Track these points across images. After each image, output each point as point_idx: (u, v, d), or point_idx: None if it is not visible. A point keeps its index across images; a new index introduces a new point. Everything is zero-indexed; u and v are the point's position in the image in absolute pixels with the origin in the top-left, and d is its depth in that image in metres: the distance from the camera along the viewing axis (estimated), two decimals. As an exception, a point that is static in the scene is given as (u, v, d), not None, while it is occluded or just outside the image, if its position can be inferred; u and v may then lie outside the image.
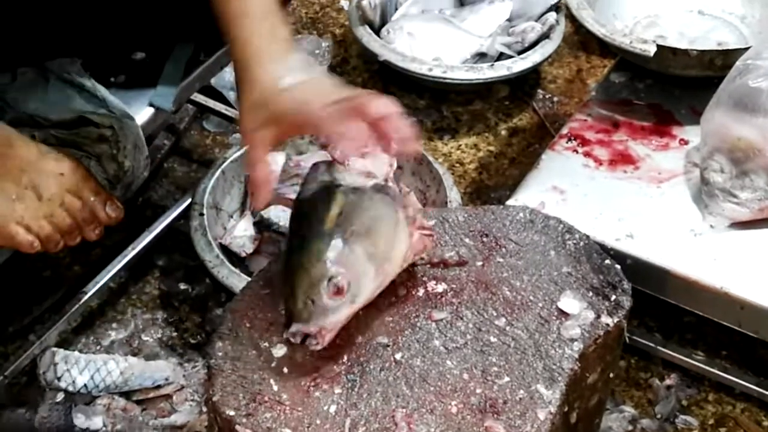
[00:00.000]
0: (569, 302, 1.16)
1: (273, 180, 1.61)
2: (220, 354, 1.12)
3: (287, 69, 1.07)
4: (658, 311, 1.49)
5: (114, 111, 1.30)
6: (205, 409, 1.33)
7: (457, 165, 1.85)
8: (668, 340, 1.51)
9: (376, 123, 1.05)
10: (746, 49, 1.44)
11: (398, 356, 1.12)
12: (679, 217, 1.43)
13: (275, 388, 1.08)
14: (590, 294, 1.18)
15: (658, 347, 1.49)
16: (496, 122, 1.94)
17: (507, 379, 1.10)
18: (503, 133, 1.92)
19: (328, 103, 1.03)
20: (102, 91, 1.32)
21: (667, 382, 1.49)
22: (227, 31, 1.13)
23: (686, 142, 1.53)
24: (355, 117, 1.04)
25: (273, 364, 1.10)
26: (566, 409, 1.13)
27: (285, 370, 1.10)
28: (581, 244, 1.23)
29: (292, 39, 1.13)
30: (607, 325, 1.16)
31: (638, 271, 1.32)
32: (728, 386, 1.47)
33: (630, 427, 1.42)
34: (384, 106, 1.05)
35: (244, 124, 1.08)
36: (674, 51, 1.52)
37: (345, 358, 1.12)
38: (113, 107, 1.31)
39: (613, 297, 1.18)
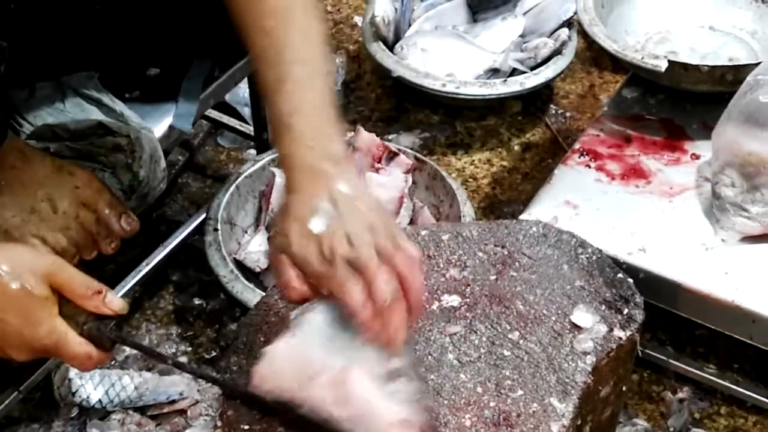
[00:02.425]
0: (582, 316, 1.17)
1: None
2: (234, 368, 1.12)
3: (317, 202, 0.96)
4: (671, 325, 1.49)
5: (131, 123, 1.32)
6: (219, 424, 1.33)
7: (471, 180, 1.86)
8: (680, 353, 1.51)
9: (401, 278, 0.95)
10: (757, 64, 1.45)
11: (412, 371, 1.12)
12: (691, 231, 1.44)
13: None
14: (603, 307, 1.19)
15: (671, 360, 1.49)
16: (509, 137, 1.95)
17: (520, 392, 1.10)
18: (516, 148, 1.93)
19: (345, 260, 0.93)
20: (119, 105, 1.34)
21: (680, 395, 1.49)
22: (277, 126, 1.01)
23: (698, 157, 1.54)
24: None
25: (287, 377, 1.11)
26: (579, 422, 1.14)
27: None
28: (594, 258, 1.24)
29: (343, 153, 1.01)
30: (620, 338, 1.16)
31: (650, 284, 1.33)
32: (740, 399, 1.47)
33: (643, 441, 1.42)
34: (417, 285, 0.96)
35: (274, 243, 0.98)
36: (685, 66, 1.53)
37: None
38: (130, 119, 1.32)
39: (626, 310, 1.19)
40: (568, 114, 2.00)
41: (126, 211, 1.27)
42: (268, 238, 1.04)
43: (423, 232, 1.30)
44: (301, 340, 1.00)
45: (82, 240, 1.23)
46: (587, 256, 1.24)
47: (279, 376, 1.01)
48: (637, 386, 1.48)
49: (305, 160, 0.98)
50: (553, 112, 2.01)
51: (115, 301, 1.01)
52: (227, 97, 1.86)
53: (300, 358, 1.00)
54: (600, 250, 1.25)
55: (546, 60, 1.94)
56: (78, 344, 0.98)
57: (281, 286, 0.99)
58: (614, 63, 2.01)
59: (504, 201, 1.82)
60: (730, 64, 1.55)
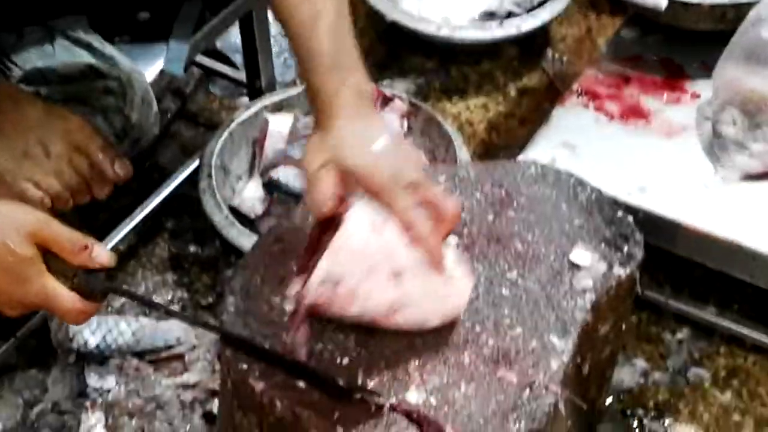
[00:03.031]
0: (581, 254, 1.16)
1: (281, 141, 1.62)
2: (231, 310, 1.11)
3: (373, 132, 1.03)
4: (669, 266, 1.48)
5: (122, 66, 1.29)
6: (217, 368, 1.33)
7: (467, 125, 1.84)
8: (679, 294, 1.50)
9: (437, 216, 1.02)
10: (757, 2, 1.43)
11: (412, 308, 1.11)
12: (691, 171, 1.42)
13: (288, 342, 1.08)
14: (602, 245, 1.18)
15: (669, 301, 1.48)
16: (505, 82, 1.93)
17: (519, 330, 1.10)
18: (512, 93, 1.91)
19: (404, 183, 1.00)
20: (110, 48, 1.31)
21: (679, 335, 1.48)
22: (307, 68, 1.06)
23: (698, 96, 1.52)
24: (424, 206, 1.01)
25: (285, 319, 1.09)
26: (579, 359, 1.13)
27: (297, 324, 1.10)
28: (593, 196, 1.23)
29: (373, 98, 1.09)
30: (620, 276, 1.15)
31: (650, 224, 1.31)
32: (740, 339, 1.46)
33: (642, 380, 1.42)
34: (454, 211, 1.03)
35: (311, 162, 1.04)
36: (686, 5, 1.51)
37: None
38: (121, 63, 1.30)
39: (626, 248, 1.18)
40: (565, 58, 1.98)
41: (118, 155, 1.25)
42: (303, 157, 1.08)
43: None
44: (354, 236, 1.02)
45: (75, 185, 1.22)
46: (586, 195, 1.23)
47: (339, 275, 1.02)
48: (635, 327, 1.48)
49: (348, 96, 1.03)
50: (550, 56, 1.98)
51: (102, 254, 1.00)
52: (219, 44, 1.84)
53: (357, 252, 1.02)
54: (599, 189, 1.23)
55: (542, 3, 1.91)
56: (68, 299, 0.98)
57: (318, 198, 1.03)
58: (612, 5, 1.98)
59: (500, 146, 1.80)
60: (731, 1, 1.52)
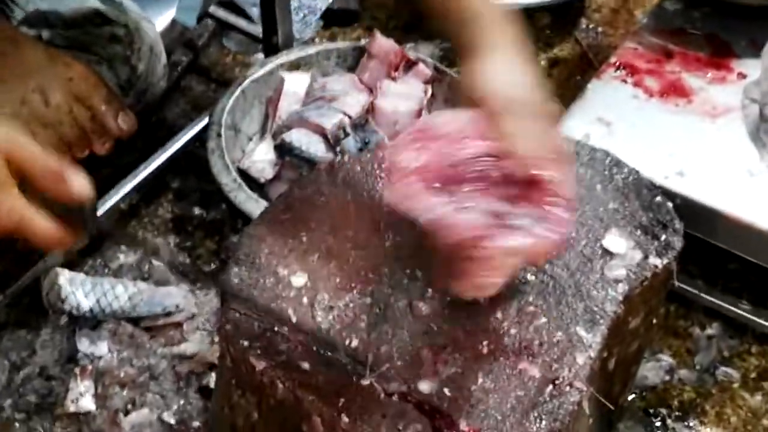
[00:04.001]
0: (615, 241, 1.08)
1: (297, 101, 1.54)
2: (235, 281, 1.04)
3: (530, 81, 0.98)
4: (702, 256, 1.39)
5: (131, 13, 1.21)
6: (216, 339, 1.25)
7: (493, 95, 1.75)
8: (711, 287, 1.42)
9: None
10: (815, -24, 1.33)
11: (429, 291, 1.03)
12: (734, 156, 1.34)
13: (294, 318, 1.01)
14: (638, 233, 1.10)
15: (701, 294, 1.40)
16: (536, 52, 1.84)
17: (544, 320, 1.02)
18: (543, 63, 1.83)
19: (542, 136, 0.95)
20: (119, -6, 1.23)
21: (709, 331, 1.40)
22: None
23: (744, 76, 1.43)
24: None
25: (292, 294, 1.03)
26: (606, 354, 1.05)
27: (305, 300, 1.03)
28: (630, 179, 1.15)
29: None
30: (655, 266, 1.08)
31: (687, 211, 1.22)
32: (773, 339, 1.38)
33: (667, 377, 1.34)
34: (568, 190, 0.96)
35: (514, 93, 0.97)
36: (735, -23, 1.42)
37: (370, 290, 1.04)
38: (129, 10, 1.22)
39: (663, 237, 1.10)
40: (599, 29, 1.89)
41: (123, 108, 1.19)
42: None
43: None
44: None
45: (74, 137, 1.15)
46: (623, 176, 1.15)
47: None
48: (663, 320, 1.39)
49: (503, 35, 0.99)
50: (584, 26, 1.89)
51: (76, 183, 0.88)
52: (235, -5, 1.76)
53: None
54: (637, 171, 1.16)
55: (579, -30, 1.82)
56: (42, 223, 0.87)
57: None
58: (652, -26, 1.88)
59: (528, 119, 1.71)
60: (785, -25, 1.43)
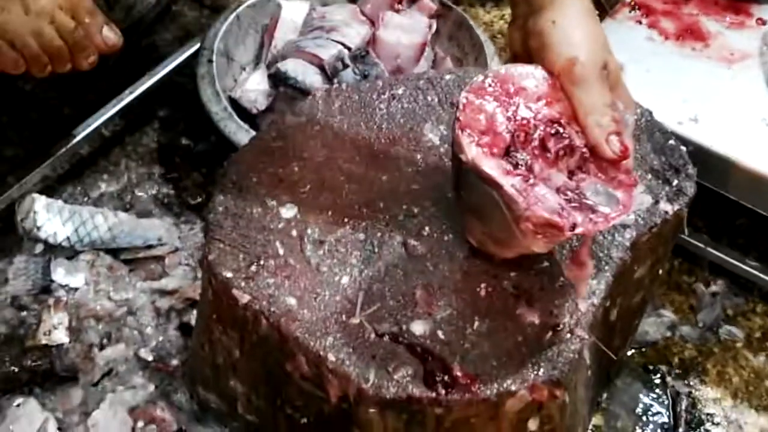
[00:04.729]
0: (625, 184, 1.02)
1: (294, 30, 1.47)
2: (220, 209, 0.98)
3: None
4: (709, 210, 1.34)
5: None
6: (199, 275, 1.19)
7: (499, 36, 1.68)
8: (717, 242, 1.36)
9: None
10: None
11: (426, 229, 0.97)
12: (751, 104, 1.28)
13: (281, 251, 0.95)
14: (649, 176, 1.04)
15: (707, 249, 1.34)
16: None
17: (546, 263, 0.96)
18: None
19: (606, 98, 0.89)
20: None
21: (713, 288, 1.34)
22: None
23: (764, 23, 1.37)
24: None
25: (280, 225, 0.97)
26: (609, 303, 1.00)
27: (294, 232, 0.97)
28: (642, 120, 1.09)
29: None
30: (666, 212, 1.02)
31: (699, 159, 1.16)
32: (780, 298, 1.33)
33: (669, 333, 1.29)
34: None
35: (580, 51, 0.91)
36: None
37: (363, 225, 0.98)
38: None
39: (675, 182, 1.04)
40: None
41: (108, 21, 1.11)
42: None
43: (448, 77, 1.14)
44: None
45: (55, 49, 1.09)
46: (635, 117, 1.08)
47: None
48: (666, 275, 1.34)
49: None
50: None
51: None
52: None
53: None
54: (650, 112, 1.10)
55: None
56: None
57: None
58: None
59: (534, 62, 1.64)
60: None
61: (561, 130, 0.88)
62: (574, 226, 0.84)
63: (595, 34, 0.91)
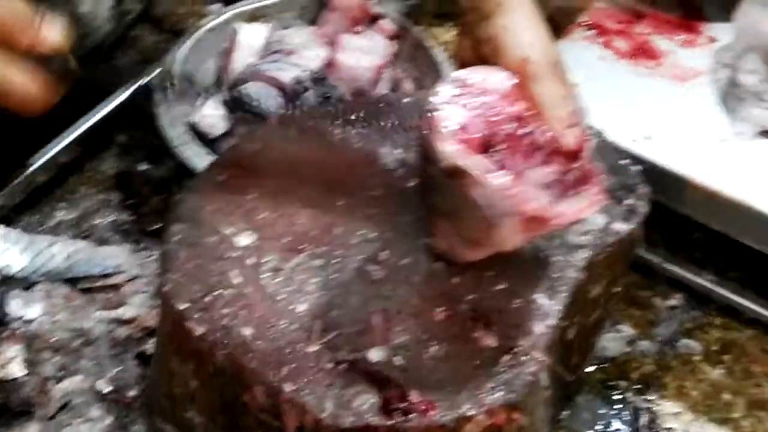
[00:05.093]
0: (578, 205, 1.03)
1: (253, 54, 1.47)
2: (175, 238, 0.98)
3: None
4: (666, 225, 1.35)
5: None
6: (158, 303, 1.19)
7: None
8: (674, 257, 1.37)
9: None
10: (792, -64, 1.29)
11: (384, 254, 0.98)
12: (703, 121, 1.29)
13: (237, 281, 0.95)
14: (602, 197, 1.05)
15: (663, 264, 1.35)
16: (501, 11, 1.77)
17: (503, 285, 0.97)
18: (509, 23, 1.76)
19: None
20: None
21: (671, 302, 1.36)
22: None
23: (715, 40, 1.39)
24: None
25: (236, 254, 0.97)
26: (566, 323, 1.01)
27: (250, 261, 0.97)
28: (594, 140, 1.10)
29: None
30: (619, 232, 1.03)
31: (653, 177, 1.18)
32: (736, 310, 1.34)
33: (628, 349, 1.29)
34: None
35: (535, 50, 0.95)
36: (710, -66, 1.37)
37: (321, 251, 0.98)
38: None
39: (628, 201, 1.06)
40: (568, -10, 1.83)
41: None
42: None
43: (405, 100, 1.14)
44: None
45: None
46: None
47: None
48: (624, 290, 1.35)
49: None
50: (552, -14, 1.83)
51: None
52: (190, -60, 1.68)
53: None
54: (602, 133, 1.11)
55: (549, -73, 1.75)
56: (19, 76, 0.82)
57: None
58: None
59: (492, 80, 1.65)
60: (761, -66, 1.38)
61: (527, 126, 0.90)
62: (559, 217, 0.86)
63: (544, 35, 0.95)
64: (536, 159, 0.89)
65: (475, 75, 0.92)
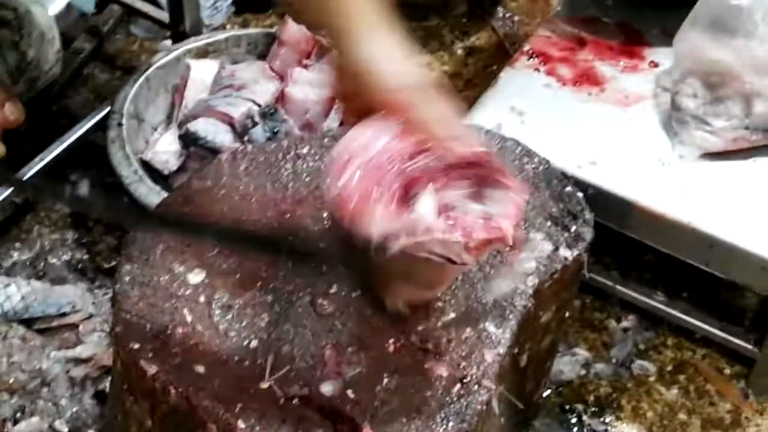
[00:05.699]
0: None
1: (204, 90, 1.48)
2: (126, 279, 0.98)
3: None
4: (617, 247, 1.37)
5: (22, -4, 1.15)
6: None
7: (407, 84, 1.71)
8: (626, 279, 1.40)
9: None
10: (726, -36, 1.31)
11: (334, 287, 0.99)
12: (647, 145, 1.32)
13: (189, 318, 0.96)
14: (548, 224, 1.07)
15: (616, 286, 1.38)
16: (453, 40, 1.82)
17: (452, 315, 0.98)
18: (459, 52, 1.80)
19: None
20: (10, -25, 1.16)
21: (624, 324, 1.38)
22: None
23: (656, 65, 1.42)
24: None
25: (188, 292, 0.98)
26: (516, 350, 1.02)
27: (201, 298, 0.97)
28: (540, 168, 1.12)
29: None
30: (566, 258, 1.05)
31: (600, 201, 1.21)
32: (689, 330, 1.37)
33: (583, 372, 1.32)
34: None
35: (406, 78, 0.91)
36: (648, -36, 1.40)
37: (271, 287, 0.99)
38: (22, -7, 1.15)
39: (573, 228, 1.07)
40: (516, 18, 1.87)
41: (10, 97, 1.11)
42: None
43: (351, 133, 1.15)
44: None
45: None
46: (533, 166, 1.12)
47: None
48: (578, 313, 1.37)
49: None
50: (501, 15, 1.87)
51: None
52: (142, -21, 1.69)
53: None
54: (547, 161, 1.13)
55: (495, -44, 1.79)
56: None
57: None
58: (569, -37, 1.86)
59: (443, 108, 1.68)
60: (697, -38, 1.41)
61: (429, 154, 0.89)
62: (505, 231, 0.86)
63: (406, 59, 0.92)
64: (455, 177, 0.89)
65: (353, 138, 0.89)
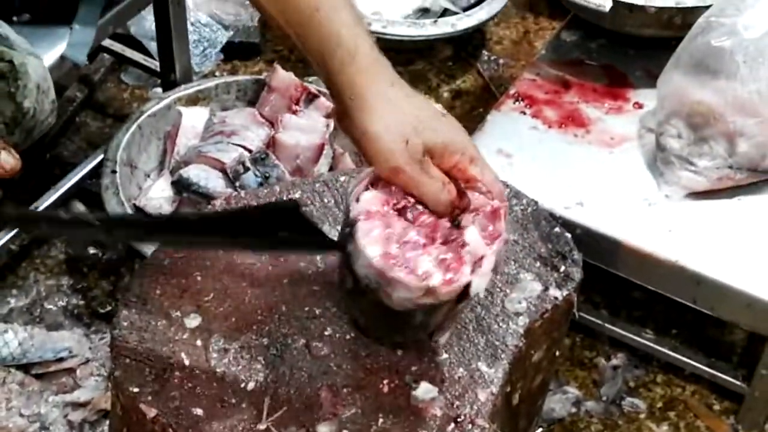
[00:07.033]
0: (515, 273, 1.06)
1: (195, 136, 1.50)
2: (125, 324, 1.00)
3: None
4: (606, 286, 1.40)
5: (17, 48, 1.16)
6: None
7: (396, 127, 1.74)
8: (615, 317, 1.42)
9: None
10: (707, 7, 1.35)
11: (328, 330, 1.01)
12: (633, 185, 1.35)
13: (187, 362, 0.97)
14: (538, 264, 1.09)
15: (605, 324, 1.40)
16: (438, 83, 1.84)
17: (445, 356, 1.00)
18: (446, 95, 1.83)
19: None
20: (5, 28, 1.18)
21: (614, 361, 1.40)
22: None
23: (641, 106, 1.45)
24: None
25: (185, 336, 0.99)
26: (509, 389, 1.04)
27: (198, 342, 0.99)
28: (529, 210, 1.14)
29: None
30: (556, 298, 1.07)
31: (587, 241, 1.23)
32: (678, 367, 1.38)
33: (574, 410, 1.33)
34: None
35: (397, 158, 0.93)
36: (631, 7, 1.43)
37: (267, 330, 1.00)
38: (17, 45, 1.17)
39: (563, 268, 1.09)
40: (501, 61, 1.90)
41: (6, 146, 1.13)
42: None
43: (342, 178, 1.18)
44: None
45: None
46: (522, 207, 1.14)
47: None
48: (568, 351, 1.39)
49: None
50: (486, 58, 1.90)
51: None
52: (132, 29, 1.72)
53: None
54: (536, 202, 1.15)
55: (479, 1, 1.82)
56: None
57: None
58: (551, 8, 1.91)
59: (431, 151, 1.70)
60: (678, 5, 1.45)
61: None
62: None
63: (402, 124, 0.93)
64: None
65: (368, 200, 0.93)
